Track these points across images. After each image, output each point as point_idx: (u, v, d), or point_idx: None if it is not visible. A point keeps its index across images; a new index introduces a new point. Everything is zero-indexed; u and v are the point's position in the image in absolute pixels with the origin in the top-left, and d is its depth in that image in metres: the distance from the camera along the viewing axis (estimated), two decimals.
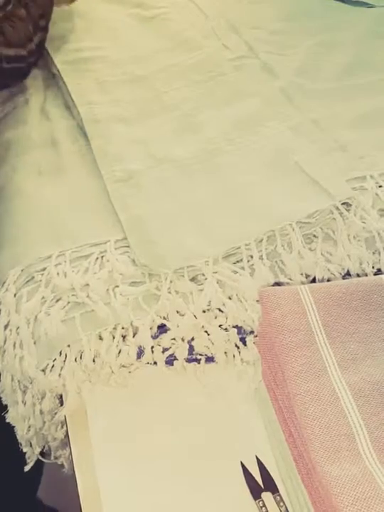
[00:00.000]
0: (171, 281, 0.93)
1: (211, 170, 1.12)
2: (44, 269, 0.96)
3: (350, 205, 1.02)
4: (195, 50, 1.44)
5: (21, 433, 0.96)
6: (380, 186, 1.06)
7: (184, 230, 1.01)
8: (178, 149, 1.17)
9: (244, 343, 0.89)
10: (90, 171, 1.14)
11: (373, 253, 0.99)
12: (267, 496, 0.77)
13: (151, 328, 0.89)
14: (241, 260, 0.96)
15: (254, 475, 0.79)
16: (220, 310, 0.91)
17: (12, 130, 1.26)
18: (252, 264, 0.95)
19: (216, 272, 0.94)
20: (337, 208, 1.01)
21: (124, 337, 0.89)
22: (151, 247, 0.97)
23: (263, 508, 0.76)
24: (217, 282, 0.93)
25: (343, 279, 0.96)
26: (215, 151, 1.16)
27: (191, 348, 0.88)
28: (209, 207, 1.05)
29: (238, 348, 0.89)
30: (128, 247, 0.98)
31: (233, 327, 0.89)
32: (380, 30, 1.56)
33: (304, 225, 1.00)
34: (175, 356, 0.88)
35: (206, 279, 0.93)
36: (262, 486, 0.78)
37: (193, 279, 0.94)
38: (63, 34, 1.49)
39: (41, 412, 0.92)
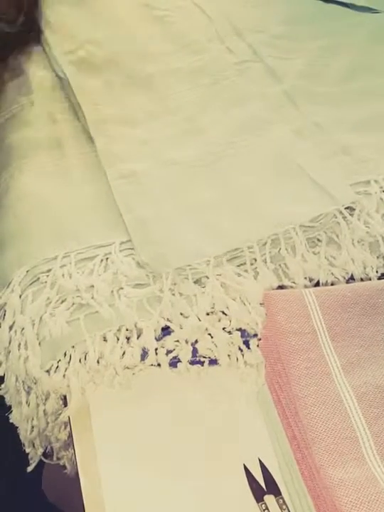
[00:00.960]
0: (174, 283, 0.93)
1: (215, 172, 1.13)
2: (49, 270, 0.96)
3: (354, 209, 1.02)
4: (199, 53, 1.44)
5: (24, 433, 0.97)
6: None
7: (187, 231, 1.01)
8: (182, 151, 1.17)
9: (248, 346, 0.90)
10: (95, 172, 1.14)
11: (377, 257, 1.00)
12: (269, 499, 0.78)
13: (155, 330, 0.90)
14: (245, 263, 0.97)
15: (257, 477, 0.80)
16: (223, 313, 0.92)
17: (18, 131, 1.26)
18: (256, 267, 0.96)
19: (220, 275, 0.95)
20: (340, 212, 1.01)
21: (128, 338, 0.89)
22: (153, 247, 0.98)
23: (266, 510, 0.76)
24: (221, 285, 0.94)
25: (347, 283, 0.97)
26: (219, 153, 1.16)
27: (195, 351, 0.89)
28: (212, 209, 1.05)
29: (242, 350, 0.89)
30: (133, 249, 0.99)
31: (237, 330, 0.90)
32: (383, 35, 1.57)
33: (307, 228, 1.00)
34: (178, 358, 0.88)
35: (210, 281, 0.94)
36: (265, 488, 0.79)
37: (196, 282, 0.95)
38: (68, 35, 1.49)
39: (45, 413, 0.92)
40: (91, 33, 1.49)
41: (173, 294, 0.93)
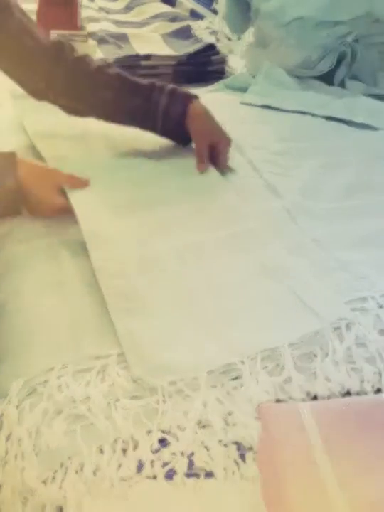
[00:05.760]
0: (170, 396, 1.00)
1: (210, 291, 1.21)
2: (46, 381, 1.02)
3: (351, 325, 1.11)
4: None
5: None
6: (381, 307, 1.15)
7: (180, 345, 1.09)
8: (179, 267, 1.26)
9: (244, 459, 0.94)
10: (91, 283, 1.22)
11: (373, 373, 1.06)
12: None
13: (151, 442, 0.94)
14: (240, 377, 1.04)
15: None
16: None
17: (16, 244, 1.35)
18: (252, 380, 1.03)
19: (215, 387, 1.01)
20: (333, 329, 1.10)
21: (124, 450, 0.94)
22: (147, 361, 1.05)
23: None
24: (217, 399, 1.00)
25: (344, 396, 1.03)
26: (218, 274, 1.25)
27: (191, 463, 0.93)
28: (205, 324, 1.13)
29: (237, 464, 0.93)
30: None
31: (233, 443, 0.95)
32: (382, 152, 1.67)
33: (301, 345, 1.08)
34: (175, 471, 0.92)
35: (205, 394, 1.00)
36: None
37: (192, 395, 1.01)
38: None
39: None
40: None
41: (170, 407, 0.98)
